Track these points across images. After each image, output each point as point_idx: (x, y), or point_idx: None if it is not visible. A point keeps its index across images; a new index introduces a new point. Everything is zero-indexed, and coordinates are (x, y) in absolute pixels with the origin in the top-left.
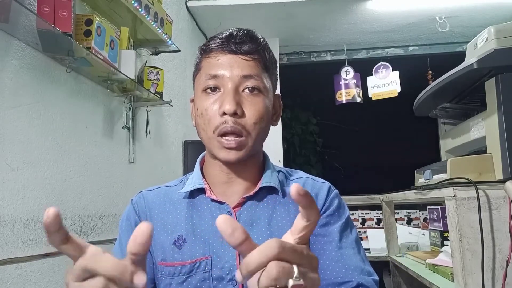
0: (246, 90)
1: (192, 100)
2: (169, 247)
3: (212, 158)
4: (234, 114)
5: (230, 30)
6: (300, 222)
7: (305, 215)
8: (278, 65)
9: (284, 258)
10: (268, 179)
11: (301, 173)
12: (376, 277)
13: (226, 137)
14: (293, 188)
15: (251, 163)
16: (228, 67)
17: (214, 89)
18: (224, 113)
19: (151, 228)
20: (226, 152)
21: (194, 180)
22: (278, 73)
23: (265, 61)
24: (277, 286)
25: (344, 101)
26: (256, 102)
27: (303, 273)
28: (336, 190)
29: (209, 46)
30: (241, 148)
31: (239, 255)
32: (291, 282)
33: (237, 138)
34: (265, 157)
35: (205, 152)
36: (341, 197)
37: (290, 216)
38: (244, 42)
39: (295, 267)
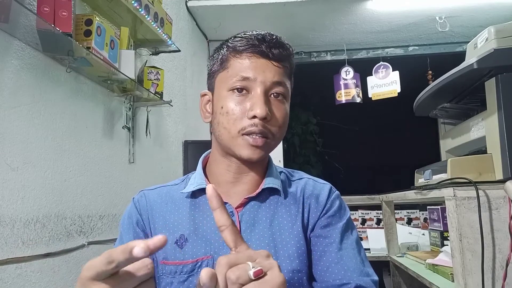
0: (273, 95)
1: (204, 95)
2: (170, 246)
3: (221, 157)
4: (264, 118)
5: (262, 33)
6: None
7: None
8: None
9: (234, 263)
10: (270, 181)
11: (302, 174)
12: (376, 278)
13: (253, 136)
14: (209, 188)
15: (258, 164)
16: (261, 71)
17: (241, 90)
18: (255, 116)
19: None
20: (251, 149)
21: (196, 180)
22: None
23: (291, 69)
24: (243, 283)
25: (344, 101)
26: (282, 108)
27: (257, 262)
28: (337, 192)
29: (240, 46)
30: (266, 148)
31: None
32: (251, 272)
33: (264, 138)
34: (269, 159)
35: (208, 151)
36: (341, 197)
37: (291, 217)
38: (276, 48)
39: (248, 262)
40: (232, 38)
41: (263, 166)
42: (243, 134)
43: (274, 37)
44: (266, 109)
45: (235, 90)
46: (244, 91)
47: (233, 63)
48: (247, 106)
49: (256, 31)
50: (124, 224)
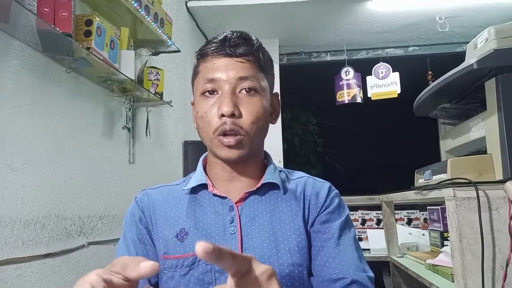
0: (243, 91)
1: (193, 103)
2: (171, 240)
3: (214, 158)
4: (232, 115)
5: (225, 34)
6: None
7: (226, 268)
8: (278, 65)
9: None
10: (270, 176)
11: (301, 173)
12: (371, 274)
13: (226, 136)
14: (199, 247)
15: (252, 161)
16: (224, 70)
17: (212, 92)
18: (223, 115)
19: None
20: (227, 150)
21: (197, 177)
22: (278, 73)
23: (260, 62)
24: None
25: (346, 101)
26: (253, 102)
27: None
28: (336, 190)
29: (205, 51)
30: (241, 147)
31: (241, 248)
32: None
33: (236, 136)
34: (267, 156)
35: (207, 152)
36: (341, 197)
37: (292, 212)
38: (238, 45)
39: None
40: (202, 46)
41: (259, 162)
42: (218, 135)
43: (235, 34)
44: (232, 105)
45: (206, 93)
46: (215, 93)
47: (201, 68)
48: (218, 107)
49: (226, 32)
50: (127, 222)
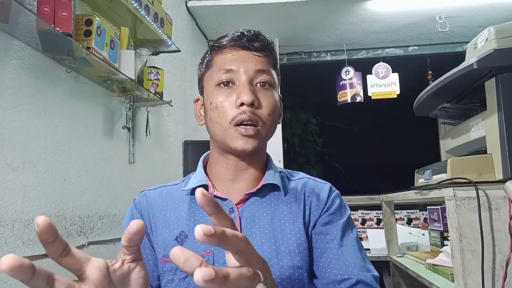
0: (259, 85)
1: (197, 100)
2: (171, 243)
3: (219, 155)
4: (251, 104)
5: (241, 30)
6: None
7: (216, 222)
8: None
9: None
10: (271, 177)
11: (301, 174)
12: (376, 274)
13: (243, 126)
14: (197, 193)
15: (256, 159)
16: (243, 62)
17: (228, 83)
18: (242, 104)
19: (142, 224)
20: (244, 140)
21: (197, 178)
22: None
23: (274, 58)
24: None
25: (349, 100)
26: (269, 95)
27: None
28: (337, 191)
29: (222, 43)
30: (258, 137)
31: None
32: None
33: (254, 127)
34: (268, 157)
35: (208, 151)
36: (342, 197)
37: (292, 214)
38: (256, 40)
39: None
40: (214, 41)
41: (261, 162)
42: (235, 125)
43: (252, 31)
44: (252, 95)
45: (221, 84)
46: (230, 84)
47: (216, 60)
48: (235, 97)
49: (240, 30)
50: (126, 225)
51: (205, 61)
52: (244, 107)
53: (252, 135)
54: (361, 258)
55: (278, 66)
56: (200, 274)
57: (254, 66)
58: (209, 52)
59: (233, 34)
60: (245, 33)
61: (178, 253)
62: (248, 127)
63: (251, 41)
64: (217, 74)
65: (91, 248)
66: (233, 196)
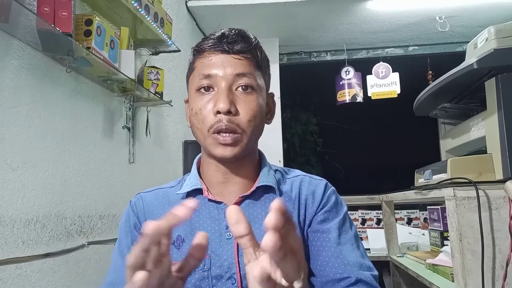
0: (240, 89)
1: (187, 101)
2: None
3: (208, 158)
4: (228, 112)
5: (222, 30)
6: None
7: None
8: (278, 65)
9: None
10: (265, 178)
11: (297, 172)
12: (376, 272)
13: (222, 134)
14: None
15: (247, 162)
16: (221, 67)
17: (208, 88)
18: (218, 112)
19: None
20: (222, 148)
21: (191, 181)
22: (278, 73)
23: (257, 60)
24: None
25: (347, 101)
26: (250, 100)
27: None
28: (333, 187)
29: (201, 47)
30: (237, 145)
31: (237, 253)
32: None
33: (233, 134)
34: (261, 156)
35: (201, 153)
36: (341, 197)
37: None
38: (236, 42)
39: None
40: (198, 42)
41: (253, 164)
42: (213, 133)
43: (233, 31)
44: (228, 102)
45: (201, 89)
46: (211, 90)
47: (197, 64)
48: (213, 104)
49: (223, 29)
50: (122, 228)
51: (189, 63)
52: (221, 115)
53: (230, 144)
54: (360, 256)
55: (268, 65)
56: (271, 239)
57: (233, 70)
58: (191, 54)
59: (215, 35)
60: (226, 33)
61: (232, 214)
62: (226, 134)
63: (232, 43)
64: (197, 79)
65: (91, 248)
66: (227, 198)
